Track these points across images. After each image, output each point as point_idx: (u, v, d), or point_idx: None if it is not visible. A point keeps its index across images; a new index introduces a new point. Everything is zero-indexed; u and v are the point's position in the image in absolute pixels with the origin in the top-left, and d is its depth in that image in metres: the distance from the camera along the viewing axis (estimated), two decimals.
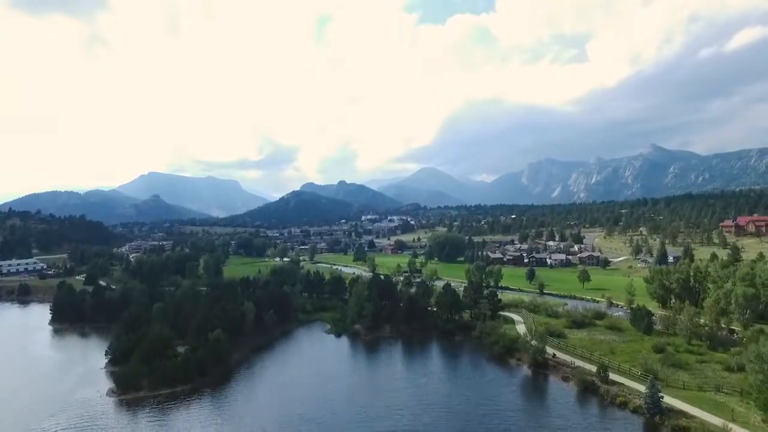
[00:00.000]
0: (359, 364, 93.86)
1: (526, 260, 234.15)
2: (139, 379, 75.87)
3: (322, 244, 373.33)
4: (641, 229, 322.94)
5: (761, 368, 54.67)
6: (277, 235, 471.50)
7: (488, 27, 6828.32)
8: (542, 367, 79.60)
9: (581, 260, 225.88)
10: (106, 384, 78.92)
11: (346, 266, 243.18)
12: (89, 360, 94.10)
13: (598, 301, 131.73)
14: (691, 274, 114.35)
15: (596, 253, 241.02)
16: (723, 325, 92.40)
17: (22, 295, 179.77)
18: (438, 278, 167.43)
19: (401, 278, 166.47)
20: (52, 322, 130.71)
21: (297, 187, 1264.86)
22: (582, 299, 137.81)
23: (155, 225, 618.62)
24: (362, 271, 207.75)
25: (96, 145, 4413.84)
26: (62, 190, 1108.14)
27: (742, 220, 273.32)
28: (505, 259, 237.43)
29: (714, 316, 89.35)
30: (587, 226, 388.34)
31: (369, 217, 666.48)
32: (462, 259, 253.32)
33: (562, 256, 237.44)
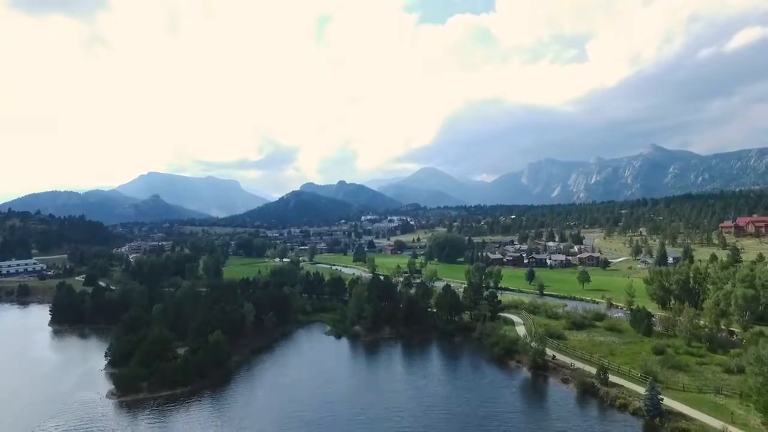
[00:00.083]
0: (359, 365, 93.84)
1: (525, 261, 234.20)
2: (139, 381, 75.87)
3: (322, 245, 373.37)
4: (641, 229, 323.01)
5: (761, 371, 54.66)
6: (277, 235, 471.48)
7: (488, 27, 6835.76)
8: (542, 368, 79.60)
9: (581, 261, 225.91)
10: (105, 386, 78.94)
11: (346, 267, 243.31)
12: (89, 361, 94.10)
13: (597, 303, 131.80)
14: (691, 275, 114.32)
15: (596, 254, 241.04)
16: (723, 327, 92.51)
17: (22, 296, 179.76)
18: (438, 279, 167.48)
19: (401, 279, 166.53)
20: (52, 323, 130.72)
21: (297, 187, 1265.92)
22: (582, 300, 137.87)
23: (155, 225, 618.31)
24: (362, 272, 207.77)
25: (96, 145, 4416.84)
26: (62, 190, 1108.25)
27: (741, 221, 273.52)
28: (504, 260, 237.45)
29: (714, 318, 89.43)
30: (587, 226, 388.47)
31: (369, 217, 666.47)
32: (462, 259, 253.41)
33: (562, 257, 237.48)
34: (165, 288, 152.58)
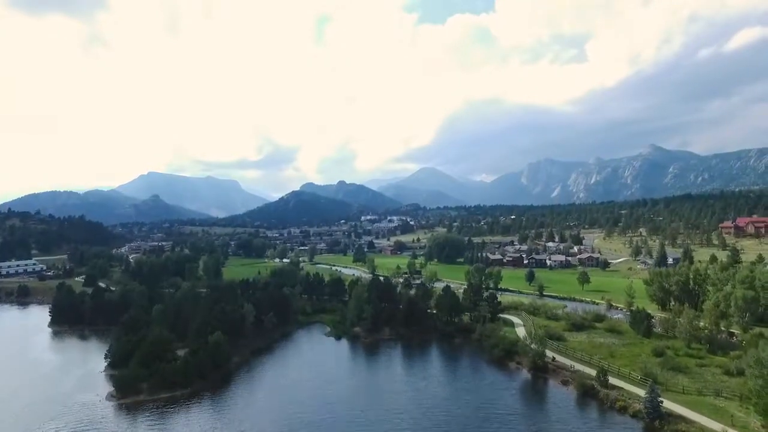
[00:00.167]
0: (359, 366, 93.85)
1: (525, 261, 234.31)
2: (139, 382, 75.85)
3: (322, 245, 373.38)
4: (641, 230, 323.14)
5: (761, 373, 54.67)
6: (277, 235, 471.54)
7: (488, 27, 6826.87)
8: (542, 370, 79.62)
9: (581, 261, 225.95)
10: (105, 387, 78.95)
11: (346, 267, 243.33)
12: (89, 363, 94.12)
13: (597, 304, 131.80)
14: (691, 276, 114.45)
15: (596, 255, 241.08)
16: (723, 329, 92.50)
17: (22, 297, 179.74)
18: (437, 280, 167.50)
19: (401, 280, 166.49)
20: (52, 324, 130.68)
21: (296, 187, 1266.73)
22: (581, 301, 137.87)
23: (155, 225, 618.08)
24: (362, 273, 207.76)
25: (95, 145, 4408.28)
26: (61, 190, 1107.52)
27: (741, 221, 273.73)
28: (504, 261, 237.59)
29: (713, 319, 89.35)
30: (587, 226, 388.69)
31: (368, 217, 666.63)
32: (461, 260, 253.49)
33: (562, 258, 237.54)
34: (165, 289, 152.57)
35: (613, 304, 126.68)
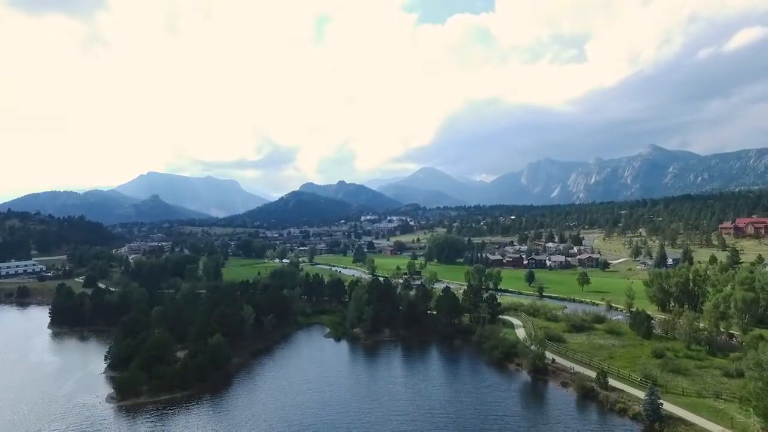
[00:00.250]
0: (359, 368, 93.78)
1: (525, 262, 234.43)
2: (139, 384, 75.82)
3: (322, 245, 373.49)
4: (640, 230, 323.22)
5: (760, 375, 54.61)
6: (277, 235, 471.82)
7: (488, 27, 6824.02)
8: (541, 372, 79.60)
9: (580, 262, 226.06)
10: (105, 389, 78.89)
11: (346, 268, 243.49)
12: (89, 365, 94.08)
13: (597, 305, 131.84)
14: (691, 277, 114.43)
15: (595, 255, 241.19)
16: (722, 330, 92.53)
17: (21, 298, 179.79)
18: (437, 281, 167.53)
19: (401, 281, 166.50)
20: (51, 325, 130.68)
21: (296, 187, 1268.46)
22: (581, 302, 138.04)
23: (154, 225, 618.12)
24: (362, 273, 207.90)
25: (95, 145, 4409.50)
26: (61, 190, 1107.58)
27: (741, 222, 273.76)
28: (504, 261, 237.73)
29: (713, 321, 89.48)
30: (586, 227, 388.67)
31: (368, 217, 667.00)
32: (461, 260, 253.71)
33: (562, 258, 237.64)
34: (165, 289, 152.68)
35: (613, 305, 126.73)
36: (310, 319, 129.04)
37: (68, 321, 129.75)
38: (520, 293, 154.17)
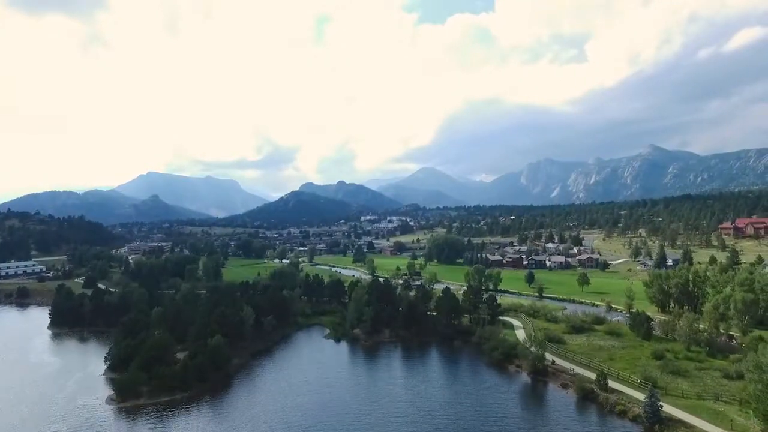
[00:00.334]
0: (359, 369, 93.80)
1: (525, 262, 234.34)
2: (139, 386, 75.80)
3: (321, 245, 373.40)
4: (640, 230, 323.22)
5: (760, 378, 54.64)
6: (276, 235, 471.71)
7: (488, 27, 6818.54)
8: (541, 374, 79.58)
9: (580, 262, 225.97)
10: (105, 391, 78.92)
11: (346, 268, 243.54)
12: (88, 366, 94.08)
13: (597, 306, 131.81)
14: (690, 278, 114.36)
15: (595, 255, 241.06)
16: (722, 331, 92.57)
17: (21, 298, 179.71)
18: (437, 281, 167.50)
19: (400, 282, 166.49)
20: (51, 326, 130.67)
21: (296, 187, 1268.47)
22: (581, 303, 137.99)
23: (154, 225, 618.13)
24: (361, 274, 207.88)
25: (95, 145, 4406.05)
26: (61, 190, 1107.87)
27: (740, 222, 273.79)
28: (504, 261, 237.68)
29: (713, 322, 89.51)
30: (586, 227, 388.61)
31: (368, 217, 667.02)
32: (461, 261, 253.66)
33: (562, 259, 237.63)
34: (164, 290, 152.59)
35: (613, 306, 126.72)
36: (309, 320, 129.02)
37: (68, 322, 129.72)
38: (520, 294, 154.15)
